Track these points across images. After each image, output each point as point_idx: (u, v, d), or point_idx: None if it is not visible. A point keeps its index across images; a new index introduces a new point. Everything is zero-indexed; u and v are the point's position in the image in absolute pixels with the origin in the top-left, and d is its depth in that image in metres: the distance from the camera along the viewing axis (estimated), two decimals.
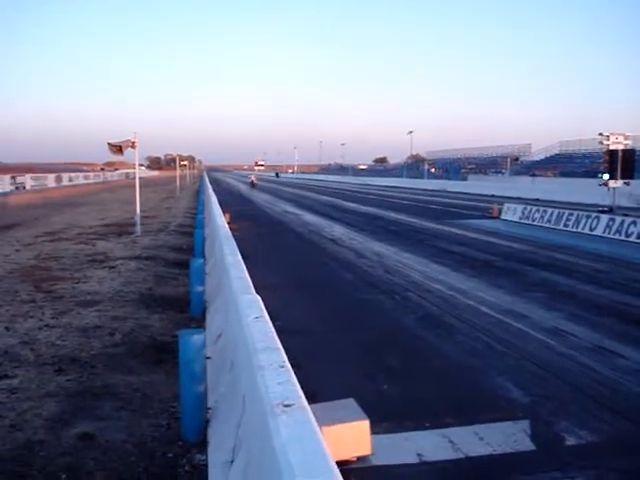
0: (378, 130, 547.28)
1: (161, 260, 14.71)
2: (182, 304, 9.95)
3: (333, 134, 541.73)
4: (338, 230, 23.46)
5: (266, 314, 4.80)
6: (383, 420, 5.51)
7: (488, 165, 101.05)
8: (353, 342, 8.65)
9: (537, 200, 38.01)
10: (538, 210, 26.17)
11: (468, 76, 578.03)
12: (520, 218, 26.90)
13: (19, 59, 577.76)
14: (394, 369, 7.46)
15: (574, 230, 23.05)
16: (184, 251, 16.16)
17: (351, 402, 5.16)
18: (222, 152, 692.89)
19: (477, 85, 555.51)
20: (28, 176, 59.18)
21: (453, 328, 9.26)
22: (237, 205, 37.45)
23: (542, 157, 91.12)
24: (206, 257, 12.26)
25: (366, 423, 4.84)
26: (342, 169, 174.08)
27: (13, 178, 54.40)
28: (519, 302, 10.98)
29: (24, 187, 55.86)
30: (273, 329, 4.35)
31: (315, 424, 2.78)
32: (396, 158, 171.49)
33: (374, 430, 4.97)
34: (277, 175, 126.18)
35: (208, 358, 5.41)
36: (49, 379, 6.51)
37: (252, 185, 74.28)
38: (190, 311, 9.45)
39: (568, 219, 23.90)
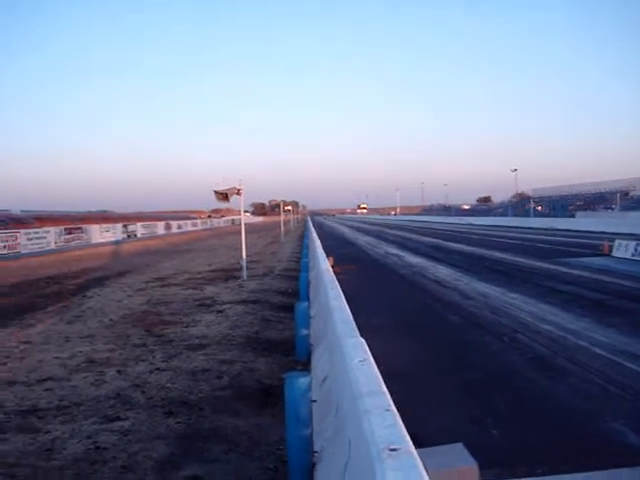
0: (481, 169, 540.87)
1: (267, 304, 14.89)
2: (288, 347, 10.01)
3: (435, 175, 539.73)
4: (442, 271, 23.17)
5: (371, 357, 4.76)
6: (493, 466, 5.34)
7: (596, 201, 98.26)
8: (459, 385, 8.48)
9: None
10: None
11: (572, 109, 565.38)
12: (633, 255, 25.84)
13: (125, 111, 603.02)
14: (503, 413, 7.25)
15: None
16: (289, 295, 16.32)
17: (459, 447, 5.02)
18: (325, 196, 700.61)
19: (581, 118, 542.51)
20: (139, 224, 61.53)
21: (565, 370, 8.92)
22: (340, 248, 37.63)
23: None
24: (311, 300, 12.33)
25: (475, 469, 4.69)
26: (445, 210, 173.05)
27: (125, 227, 56.64)
28: (634, 342, 10.49)
29: (135, 235, 58.09)
30: (378, 372, 4.31)
31: (422, 469, 2.72)
32: (500, 197, 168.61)
33: (483, 476, 4.82)
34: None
35: (314, 401, 5.40)
36: (159, 421, 6.65)
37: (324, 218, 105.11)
38: (296, 354, 9.50)
39: None
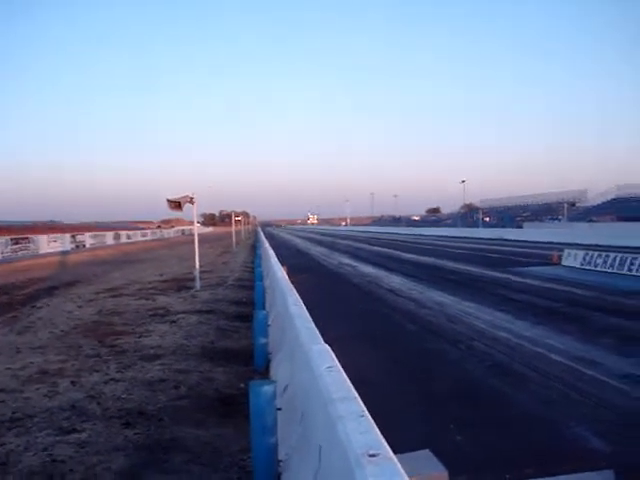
0: (430, 180, 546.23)
1: (222, 313, 14.74)
2: (245, 357, 9.88)
3: (385, 186, 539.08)
4: (396, 281, 23.25)
5: (338, 363, 4.69)
6: (461, 472, 5.29)
7: (543, 212, 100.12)
8: (420, 393, 8.46)
9: (597, 245, 37.31)
10: (600, 255, 25.63)
11: (519, 122, 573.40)
12: (582, 264, 26.36)
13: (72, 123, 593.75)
14: (466, 420, 7.23)
15: (639, 274, 22.49)
16: (244, 304, 16.18)
17: (427, 453, 4.98)
18: (275, 207, 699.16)
19: (528, 130, 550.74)
20: (87, 235, 60.70)
21: (524, 377, 8.98)
22: (293, 258, 37.49)
23: (599, 202, 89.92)
24: (267, 309, 12.22)
25: (445, 475, 4.65)
26: (395, 220, 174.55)
27: (73, 237, 55.79)
28: (589, 349, 10.64)
29: (84, 245, 57.23)
30: (347, 379, 4.24)
31: (404, 474, 2.66)
32: (449, 208, 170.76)
33: None
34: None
35: (279, 409, 5.30)
36: (117, 432, 6.48)
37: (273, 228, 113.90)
38: (254, 364, 9.37)
39: (632, 263, 23.36)
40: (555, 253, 29.86)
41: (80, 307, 16.57)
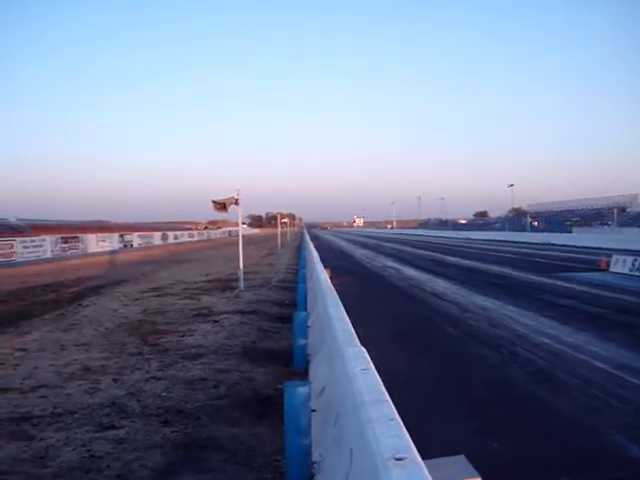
0: (477, 184, 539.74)
1: (264, 314, 14.81)
2: (285, 358, 9.91)
3: (431, 189, 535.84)
4: (440, 284, 23.08)
5: (372, 366, 4.68)
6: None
7: (593, 217, 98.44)
8: (459, 397, 8.39)
9: None
10: None
11: (568, 125, 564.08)
12: (630, 270, 25.79)
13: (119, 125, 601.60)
14: (504, 426, 7.15)
15: None
16: (286, 306, 16.22)
17: (462, 459, 4.92)
18: (321, 209, 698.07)
19: (578, 134, 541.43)
20: (135, 234, 61.56)
21: (566, 384, 8.82)
22: (337, 260, 37.54)
23: None
24: (308, 311, 12.25)
25: None
26: (441, 224, 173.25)
27: (121, 237, 56.64)
28: (635, 357, 10.43)
29: (132, 245, 58.11)
30: (380, 381, 4.23)
31: (430, 478, 2.64)
32: (497, 212, 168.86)
33: None
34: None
35: (313, 411, 5.30)
36: (155, 430, 6.55)
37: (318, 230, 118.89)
38: (293, 365, 9.40)
39: None
40: (603, 259, 29.33)
41: (125, 306, 16.81)
